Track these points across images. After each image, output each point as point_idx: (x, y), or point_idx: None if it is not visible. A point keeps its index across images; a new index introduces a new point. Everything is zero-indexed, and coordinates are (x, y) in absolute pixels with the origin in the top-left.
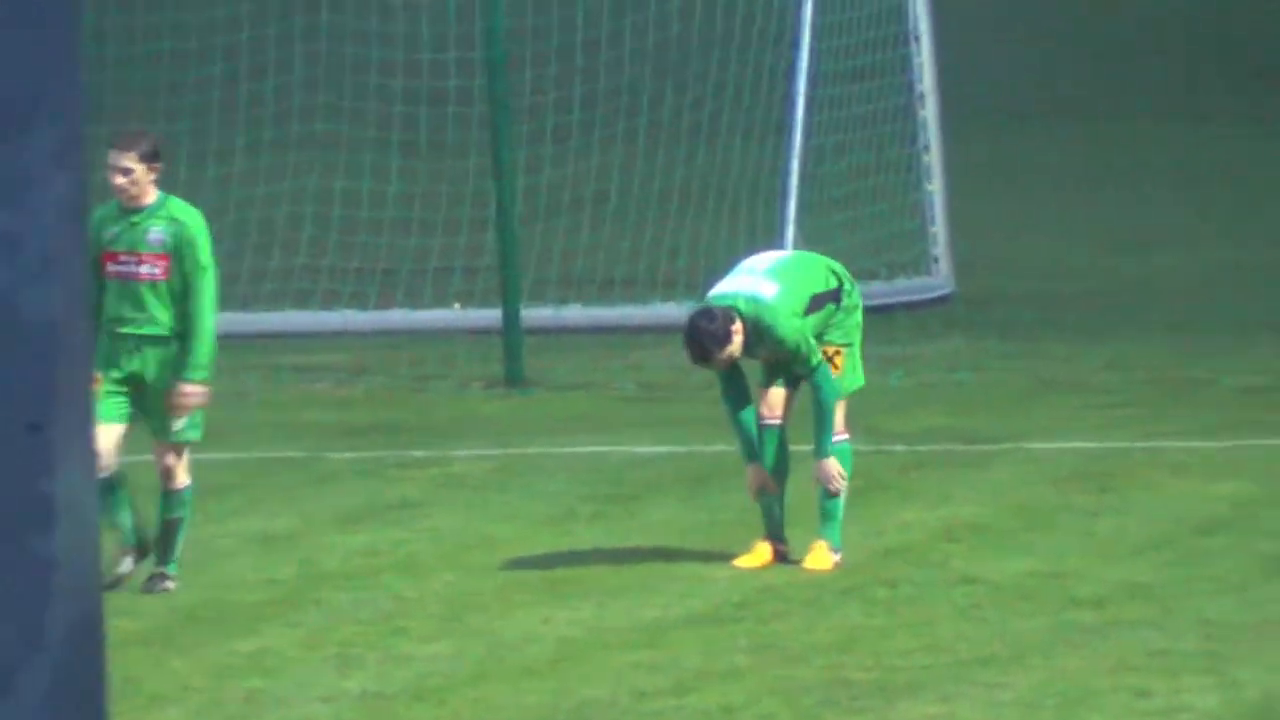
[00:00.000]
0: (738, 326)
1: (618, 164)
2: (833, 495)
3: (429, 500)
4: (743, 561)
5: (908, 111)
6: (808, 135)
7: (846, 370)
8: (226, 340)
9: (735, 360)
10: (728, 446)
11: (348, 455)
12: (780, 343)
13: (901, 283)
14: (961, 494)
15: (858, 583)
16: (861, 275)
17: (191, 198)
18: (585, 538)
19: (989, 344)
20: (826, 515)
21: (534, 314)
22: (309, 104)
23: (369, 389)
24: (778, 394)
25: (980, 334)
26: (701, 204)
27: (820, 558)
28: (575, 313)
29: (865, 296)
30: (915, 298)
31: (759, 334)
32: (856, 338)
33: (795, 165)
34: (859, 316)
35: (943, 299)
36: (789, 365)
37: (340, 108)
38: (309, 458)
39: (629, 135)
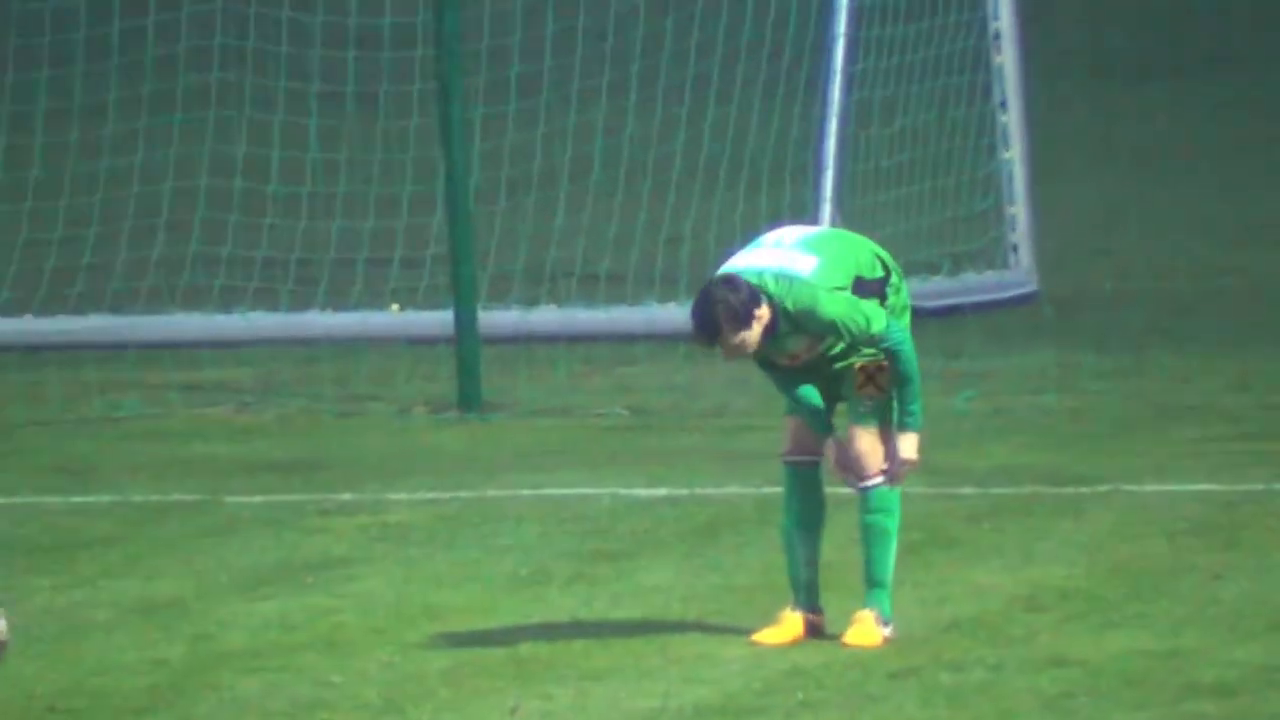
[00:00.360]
0: (764, 311)
1: (601, 125)
2: (903, 475)
3: (359, 557)
4: (765, 637)
5: (979, 58)
6: (849, 88)
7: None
8: (95, 351)
9: (747, 353)
10: (742, 488)
11: (254, 500)
12: (827, 325)
13: (971, 279)
14: (1048, 551)
15: (914, 665)
16: (917, 269)
17: (51, 168)
18: (561, 605)
19: (1083, 358)
20: (874, 579)
21: (494, 318)
22: (201, 47)
23: (281, 414)
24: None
25: (1072, 345)
26: (711, 177)
27: (866, 632)
28: (547, 316)
29: (925, 296)
30: (988, 298)
31: (794, 321)
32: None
33: (833, 127)
34: (907, 320)
35: (1024, 300)
36: (829, 372)
37: (242, 51)
38: (203, 502)
39: (617, 88)
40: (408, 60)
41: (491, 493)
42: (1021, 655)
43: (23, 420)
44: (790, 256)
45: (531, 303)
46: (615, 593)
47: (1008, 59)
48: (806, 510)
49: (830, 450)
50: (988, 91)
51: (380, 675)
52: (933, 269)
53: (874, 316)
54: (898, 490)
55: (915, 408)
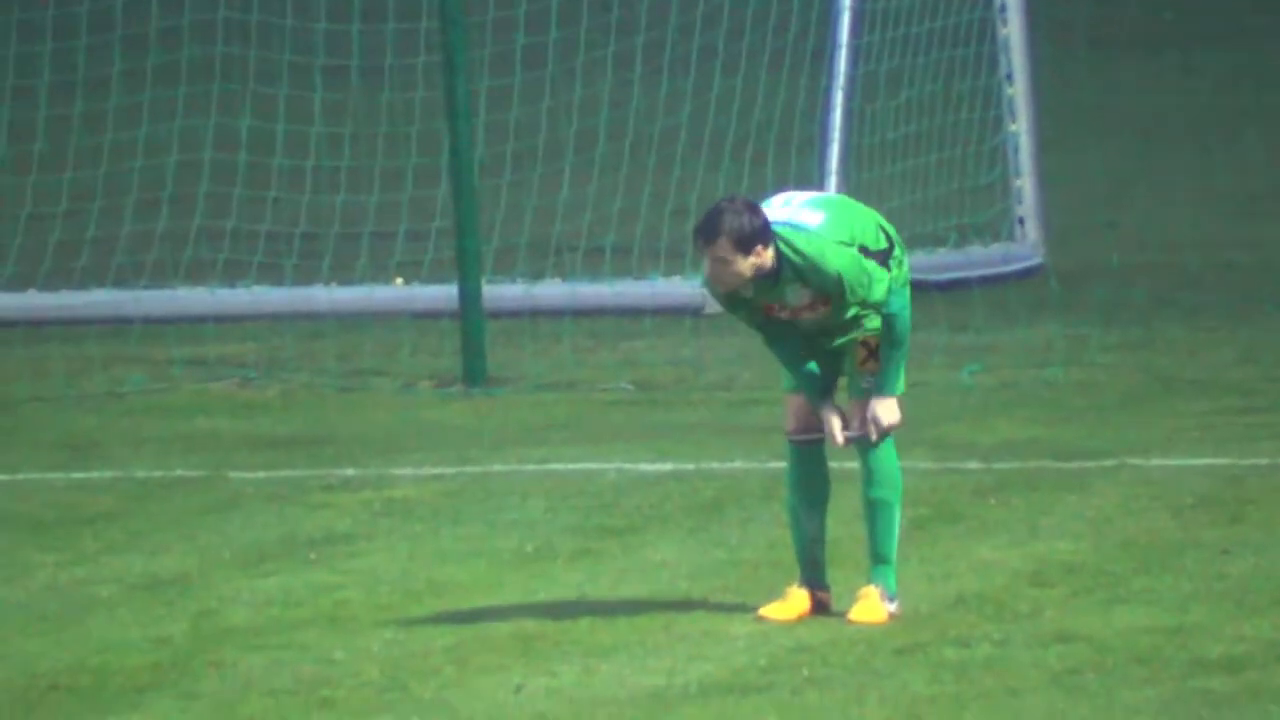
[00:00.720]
0: (767, 254)
1: (607, 97)
2: (880, 437)
3: (363, 533)
4: (771, 612)
5: (985, 30)
6: (855, 60)
7: None
8: (99, 326)
9: (729, 282)
10: (748, 463)
11: (257, 475)
12: (832, 278)
13: (977, 251)
14: (1054, 526)
15: (920, 641)
16: (924, 242)
17: (55, 141)
18: (567, 581)
19: (1090, 331)
20: (878, 554)
21: (499, 292)
22: (205, 20)
23: (285, 389)
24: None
25: (1078, 319)
26: (717, 150)
27: (871, 608)
28: (553, 290)
29: (930, 269)
30: (994, 271)
31: (799, 271)
32: None
33: (839, 99)
34: (907, 296)
35: (1030, 272)
36: (828, 348)
37: (246, 25)
38: (207, 478)
39: (622, 59)
40: (412, 33)
41: (496, 468)
42: (1028, 631)
43: (26, 396)
44: (799, 213)
45: (536, 276)
46: (621, 569)
47: (1014, 30)
48: (811, 488)
49: (832, 419)
50: (994, 63)
51: (384, 652)
52: (939, 241)
53: (878, 278)
54: (898, 465)
55: (898, 374)
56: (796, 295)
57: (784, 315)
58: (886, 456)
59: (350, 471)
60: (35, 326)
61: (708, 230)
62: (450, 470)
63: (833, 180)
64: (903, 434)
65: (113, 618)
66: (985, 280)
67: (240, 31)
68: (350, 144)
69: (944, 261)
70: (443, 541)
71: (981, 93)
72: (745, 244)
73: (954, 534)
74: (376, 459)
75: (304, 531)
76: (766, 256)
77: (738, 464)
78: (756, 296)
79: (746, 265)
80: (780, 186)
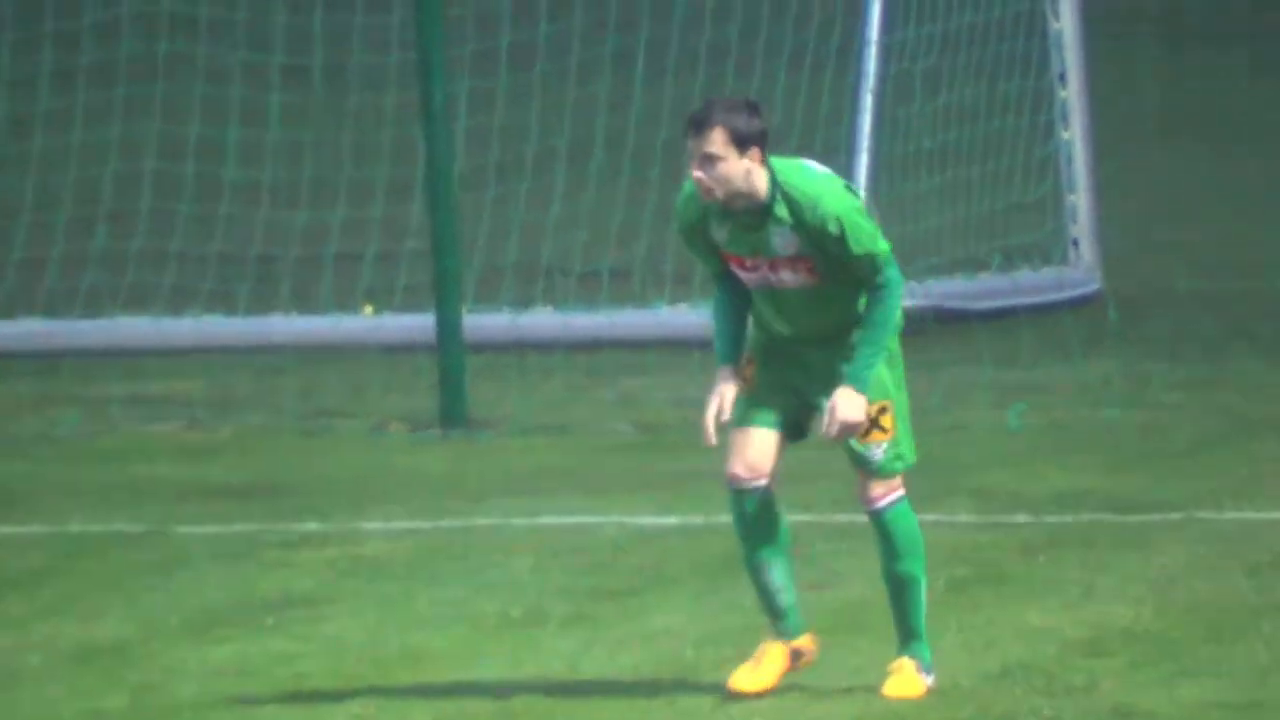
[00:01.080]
0: (764, 173)
1: (605, 100)
2: (839, 435)
3: (327, 595)
4: (744, 683)
5: (1034, 24)
6: (886, 58)
7: (899, 438)
8: (27, 360)
9: (717, 187)
10: None
11: (207, 529)
12: (830, 217)
13: (1025, 276)
14: (1112, 588)
15: (960, 717)
16: (964, 265)
17: None
18: (558, 649)
19: (1153, 367)
20: (910, 629)
21: (481, 322)
22: (147, 12)
23: (238, 432)
24: (763, 440)
25: (1140, 352)
26: None
27: (907, 682)
28: (542, 320)
29: (972, 296)
30: (1045, 299)
31: (793, 208)
32: (900, 376)
33: (869, 103)
34: (901, 290)
35: (1085, 300)
36: (803, 358)
37: (194, 18)
38: (150, 533)
39: (621, 58)
40: (382, 28)
41: (478, 521)
42: (1082, 707)
43: None
44: (800, 161)
45: (524, 304)
46: (619, 636)
47: (1066, 24)
48: (766, 532)
49: (716, 400)
50: (1044, 62)
51: None
52: (982, 265)
53: (879, 237)
54: (917, 528)
55: (873, 365)
56: (783, 241)
57: (760, 274)
58: (904, 519)
59: (312, 525)
60: None
61: (700, 120)
62: (426, 524)
63: (860, 195)
64: (941, 483)
65: (41, 691)
66: (1035, 309)
67: (187, 25)
68: (312, 153)
69: (988, 288)
70: (417, 605)
71: (1030, 95)
72: (742, 141)
73: (999, 597)
74: (342, 511)
75: (260, 594)
76: (760, 173)
77: None
78: (734, 240)
79: (739, 168)
80: None
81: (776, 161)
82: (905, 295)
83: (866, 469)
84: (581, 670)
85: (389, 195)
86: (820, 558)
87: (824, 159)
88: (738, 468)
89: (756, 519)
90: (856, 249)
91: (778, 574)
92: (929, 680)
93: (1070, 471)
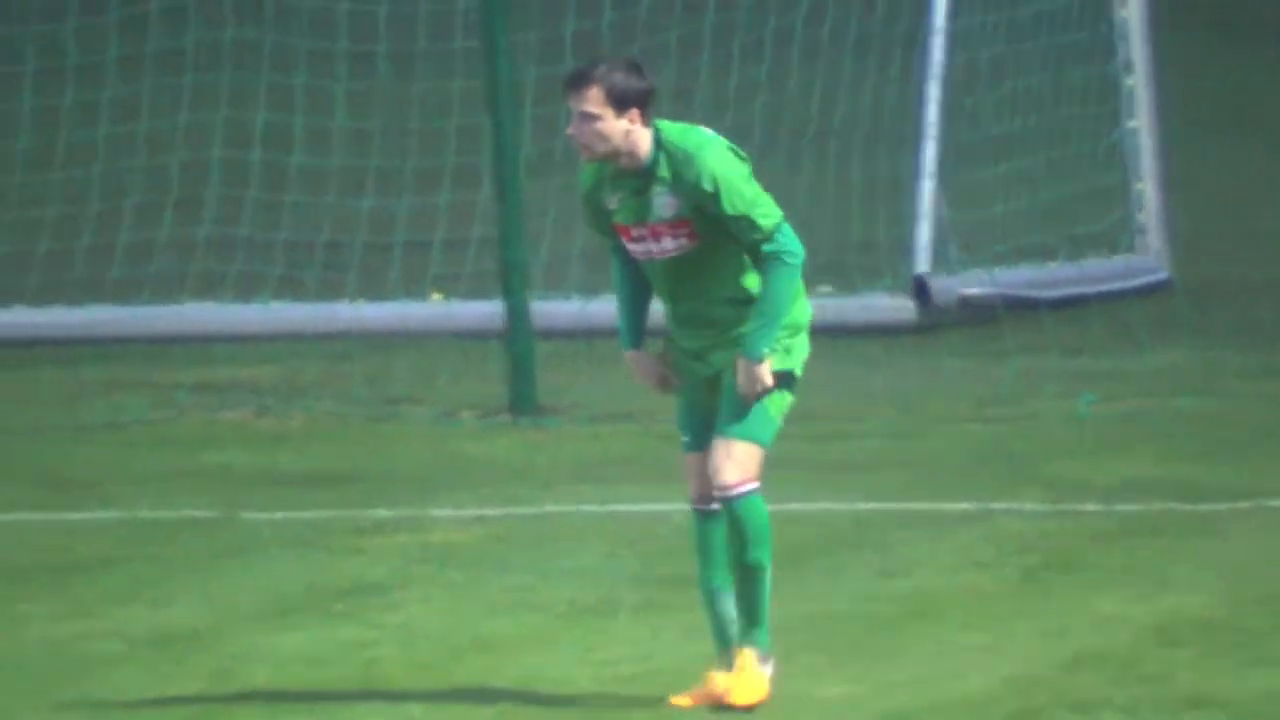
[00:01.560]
0: (647, 134)
1: (670, 88)
2: (754, 401)
3: (397, 582)
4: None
5: (1100, 11)
6: (953, 47)
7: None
8: (95, 347)
9: (595, 143)
10: (835, 504)
11: (276, 516)
12: (708, 177)
13: (1093, 265)
14: (1185, 576)
15: (1034, 705)
16: (1032, 253)
17: (43, 136)
18: (629, 638)
19: (1223, 355)
20: (753, 617)
21: (550, 309)
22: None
23: (308, 419)
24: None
25: (1209, 340)
26: (795, 147)
27: (750, 685)
28: (610, 307)
29: (1040, 285)
30: (1113, 287)
31: (675, 165)
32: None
33: (934, 91)
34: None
35: (1154, 288)
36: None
37: (260, 5)
38: (219, 519)
39: (687, 45)
40: (448, 14)
41: (549, 509)
42: (1157, 695)
43: (11, 426)
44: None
45: (592, 292)
46: (691, 623)
47: (1133, 12)
48: (721, 559)
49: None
50: (1110, 50)
51: (423, 717)
52: (1049, 254)
53: (764, 203)
54: (767, 517)
55: (769, 332)
56: (663, 202)
57: (644, 245)
58: (756, 509)
59: (383, 513)
60: (23, 347)
61: (577, 78)
62: (496, 511)
63: (927, 183)
64: (1011, 472)
65: (114, 677)
66: (1103, 298)
67: (253, 12)
68: (379, 140)
69: (1056, 276)
70: (488, 592)
71: (1096, 83)
72: (619, 100)
73: (1070, 585)
74: (412, 499)
75: (331, 581)
76: (641, 134)
77: (824, 505)
78: (623, 208)
79: (617, 127)
80: (868, 189)
81: (666, 124)
82: (972, 283)
83: (727, 430)
84: (653, 658)
85: (455, 182)
86: (892, 546)
87: (891, 148)
88: (701, 494)
89: (715, 544)
90: (730, 209)
91: (730, 605)
92: (768, 670)
93: (1139, 460)
